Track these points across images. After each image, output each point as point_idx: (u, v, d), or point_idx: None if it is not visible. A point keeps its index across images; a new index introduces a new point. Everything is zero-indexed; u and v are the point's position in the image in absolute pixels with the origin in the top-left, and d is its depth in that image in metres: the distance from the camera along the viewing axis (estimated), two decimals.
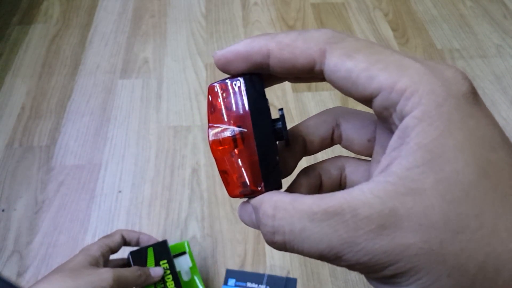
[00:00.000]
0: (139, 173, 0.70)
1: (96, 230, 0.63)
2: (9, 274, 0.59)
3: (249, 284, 0.55)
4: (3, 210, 0.65)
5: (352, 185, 0.18)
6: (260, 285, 0.55)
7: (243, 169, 0.17)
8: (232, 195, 0.18)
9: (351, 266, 0.14)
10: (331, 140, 0.20)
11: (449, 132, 0.13)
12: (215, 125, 0.18)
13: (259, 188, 0.17)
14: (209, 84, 0.18)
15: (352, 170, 0.20)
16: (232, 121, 0.17)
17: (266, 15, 0.98)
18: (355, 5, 1.02)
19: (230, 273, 0.56)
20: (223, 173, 0.18)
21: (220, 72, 0.85)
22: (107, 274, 0.40)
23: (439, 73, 0.14)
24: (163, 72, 0.86)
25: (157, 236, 0.62)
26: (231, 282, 0.56)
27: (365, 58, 0.14)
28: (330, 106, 0.78)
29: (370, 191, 0.14)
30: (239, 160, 0.17)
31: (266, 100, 0.17)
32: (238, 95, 0.17)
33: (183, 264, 0.53)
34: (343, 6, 1.01)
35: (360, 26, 0.96)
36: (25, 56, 0.88)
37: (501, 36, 0.94)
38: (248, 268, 0.59)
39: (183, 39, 0.93)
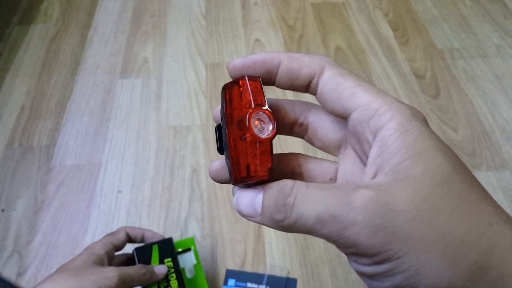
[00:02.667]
0: (139, 173, 0.70)
1: (96, 230, 0.63)
2: (9, 274, 0.58)
3: (249, 284, 0.55)
4: (3, 210, 0.65)
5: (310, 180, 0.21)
6: (260, 285, 0.55)
7: (255, 154, 0.19)
8: (238, 178, 0.19)
9: (344, 235, 0.16)
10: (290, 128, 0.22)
11: (423, 137, 0.16)
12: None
13: (265, 173, 0.18)
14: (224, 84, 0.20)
15: (311, 167, 0.22)
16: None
17: (266, 15, 0.98)
18: (355, 5, 1.01)
19: (230, 273, 0.56)
20: (233, 158, 0.19)
21: (219, 73, 0.85)
22: (111, 273, 0.40)
23: (404, 104, 0.18)
24: (163, 72, 0.86)
25: None
26: (231, 282, 0.56)
27: (353, 80, 0.18)
28: None
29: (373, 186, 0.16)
30: (251, 145, 0.19)
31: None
32: (257, 89, 0.19)
33: (187, 261, 0.53)
34: (343, 6, 1.01)
35: (360, 26, 0.96)
36: (25, 56, 0.88)
37: (501, 36, 0.94)
38: (248, 268, 0.59)
39: (183, 39, 0.93)
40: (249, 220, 0.19)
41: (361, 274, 0.17)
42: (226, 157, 0.20)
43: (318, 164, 0.22)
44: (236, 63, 0.20)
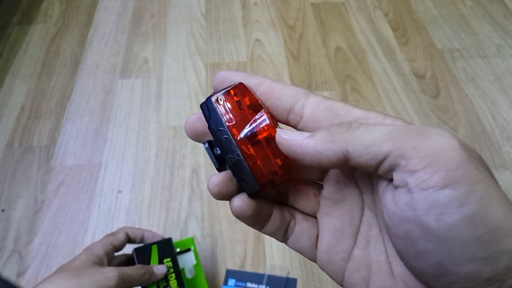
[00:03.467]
0: (139, 173, 0.70)
1: (96, 230, 0.63)
2: (9, 274, 0.58)
3: (249, 284, 0.55)
4: (3, 210, 0.65)
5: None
6: (260, 285, 0.55)
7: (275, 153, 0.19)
8: (266, 183, 0.19)
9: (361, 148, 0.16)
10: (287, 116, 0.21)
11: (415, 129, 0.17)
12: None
13: (283, 173, 0.19)
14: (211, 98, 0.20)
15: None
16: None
17: (266, 15, 0.98)
18: (355, 5, 1.01)
19: (230, 273, 0.56)
20: (252, 166, 0.19)
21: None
22: (111, 273, 0.40)
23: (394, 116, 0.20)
24: (163, 72, 0.86)
25: None
26: (231, 282, 0.56)
27: (339, 101, 0.19)
28: None
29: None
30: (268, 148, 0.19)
31: None
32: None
33: (187, 261, 0.53)
34: (343, 6, 1.01)
35: (360, 26, 0.96)
36: (25, 56, 0.88)
37: (501, 36, 0.94)
38: (248, 268, 0.59)
39: (183, 39, 0.93)
40: (292, 144, 0.18)
41: (429, 204, 0.15)
42: (234, 169, 0.19)
43: (301, 181, 0.22)
44: (222, 75, 0.21)
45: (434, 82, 0.85)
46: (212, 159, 0.20)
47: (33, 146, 0.73)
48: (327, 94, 0.82)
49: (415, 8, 1.01)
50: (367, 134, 0.16)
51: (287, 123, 0.20)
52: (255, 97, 0.19)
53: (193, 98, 0.81)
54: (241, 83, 0.19)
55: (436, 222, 0.15)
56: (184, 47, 0.91)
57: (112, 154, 0.72)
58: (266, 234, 0.21)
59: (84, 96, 0.82)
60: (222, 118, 0.18)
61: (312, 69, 0.87)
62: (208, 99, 0.19)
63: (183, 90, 0.83)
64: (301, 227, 0.21)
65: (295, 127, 0.20)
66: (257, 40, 0.93)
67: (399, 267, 0.18)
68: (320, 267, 0.21)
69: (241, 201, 0.20)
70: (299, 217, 0.21)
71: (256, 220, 0.20)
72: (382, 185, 0.18)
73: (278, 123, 0.20)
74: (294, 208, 0.22)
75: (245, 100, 0.19)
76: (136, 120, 0.77)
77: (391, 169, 0.16)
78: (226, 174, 0.20)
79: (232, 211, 0.20)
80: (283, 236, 0.21)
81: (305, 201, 0.21)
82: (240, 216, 0.20)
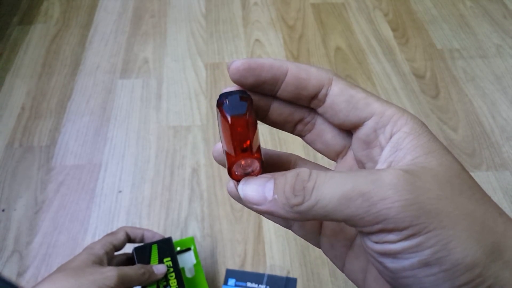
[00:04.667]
0: (139, 173, 0.70)
1: (96, 230, 0.63)
2: (9, 274, 0.59)
3: (249, 284, 0.55)
4: (3, 210, 0.65)
5: None
6: (260, 285, 0.55)
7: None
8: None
9: (373, 211, 0.16)
10: (294, 125, 0.21)
11: (433, 140, 0.18)
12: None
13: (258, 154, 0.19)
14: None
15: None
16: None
17: (266, 15, 0.98)
18: (355, 5, 1.02)
19: (230, 273, 0.56)
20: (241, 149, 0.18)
21: (219, 73, 0.85)
22: (110, 273, 0.40)
23: (411, 113, 0.19)
24: (163, 72, 0.86)
25: None
26: (231, 282, 0.56)
27: (362, 92, 0.19)
28: None
29: (392, 175, 0.16)
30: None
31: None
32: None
33: (187, 260, 0.53)
34: (343, 6, 1.01)
35: (360, 26, 0.96)
36: (25, 56, 0.88)
37: (501, 36, 0.94)
38: (248, 268, 0.59)
39: (183, 39, 0.93)
40: (255, 208, 0.18)
41: (384, 254, 0.16)
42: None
43: (316, 167, 0.22)
44: (238, 66, 0.19)
45: (434, 82, 0.85)
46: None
47: (33, 146, 0.73)
48: None
49: (415, 8, 1.01)
50: (321, 203, 0.16)
51: (308, 106, 0.20)
52: (248, 131, 0.18)
53: (193, 98, 0.81)
54: (243, 97, 0.19)
55: (391, 264, 0.16)
56: (184, 47, 0.91)
57: (112, 154, 0.72)
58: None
59: (84, 96, 0.82)
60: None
61: None
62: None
63: (183, 90, 0.83)
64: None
65: (316, 109, 0.20)
66: (257, 40, 0.93)
67: None
68: (323, 252, 0.22)
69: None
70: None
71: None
72: None
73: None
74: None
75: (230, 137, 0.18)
76: (136, 120, 0.78)
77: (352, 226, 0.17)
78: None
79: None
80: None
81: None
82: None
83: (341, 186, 0.16)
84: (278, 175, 0.18)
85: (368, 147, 0.19)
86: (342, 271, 0.21)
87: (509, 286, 0.15)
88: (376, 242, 0.16)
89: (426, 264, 0.15)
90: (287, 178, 0.17)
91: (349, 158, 0.21)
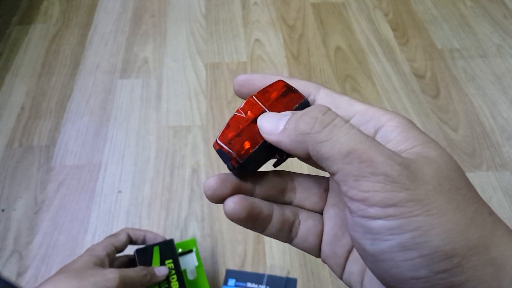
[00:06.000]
0: (139, 173, 0.70)
1: (96, 230, 0.63)
2: (9, 274, 0.58)
3: (249, 284, 0.55)
4: (3, 210, 0.65)
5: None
6: (260, 285, 0.55)
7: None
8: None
9: (370, 180, 0.16)
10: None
11: (423, 133, 0.18)
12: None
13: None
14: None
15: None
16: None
17: (266, 15, 0.98)
18: (355, 5, 1.01)
19: (230, 273, 0.56)
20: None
21: (219, 73, 0.85)
22: (112, 275, 0.40)
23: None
24: (163, 72, 0.86)
25: None
26: (231, 282, 0.56)
27: (348, 97, 0.20)
28: None
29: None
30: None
31: None
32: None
33: (189, 262, 0.53)
34: (343, 6, 1.01)
35: (360, 26, 0.96)
36: (25, 56, 0.88)
37: (501, 36, 0.94)
38: (248, 268, 0.59)
39: (183, 39, 0.93)
40: (268, 138, 0.18)
41: (365, 230, 0.16)
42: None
43: (311, 177, 0.22)
44: (237, 80, 0.22)
45: (434, 82, 0.85)
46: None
47: (33, 146, 0.73)
48: None
49: (415, 8, 1.01)
50: (326, 144, 0.17)
51: None
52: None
53: (193, 98, 0.81)
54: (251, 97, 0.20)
55: (370, 245, 0.16)
56: (184, 47, 0.91)
57: (112, 154, 0.72)
58: (269, 236, 0.21)
59: (84, 96, 0.82)
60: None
61: (312, 69, 0.87)
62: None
63: (183, 90, 0.83)
64: (307, 225, 0.21)
65: None
66: (257, 40, 0.93)
67: None
68: (323, 260, 0.21)
69: (233, 203, 0.19)
70: (303, 215, 0.21)
71: (254, 223, 0.20)
72: None
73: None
74: (298, 207, 0.22)
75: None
76: (136, 120, 0.77)
77: (337, 183, 0.17)
78: (220, 176, 0.20)
79: (226, 213, 0.19)
80: (287, 237, 0.21)
81: (315, 197, 0.21)
82: (235, 218, 0.19)
83: (357, 142, 0.16)
84: (296, 112, 0.18)
85: None
86: (341, 278, 0.21)
87: (487, 284, 0.15)
88: (360, 214, 0.16)
89: (405, 247, 0.15)
90: (304, 111, 0.18)
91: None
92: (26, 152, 0.72)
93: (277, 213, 0.21)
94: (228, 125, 0.20)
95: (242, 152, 0.19)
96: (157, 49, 0.90)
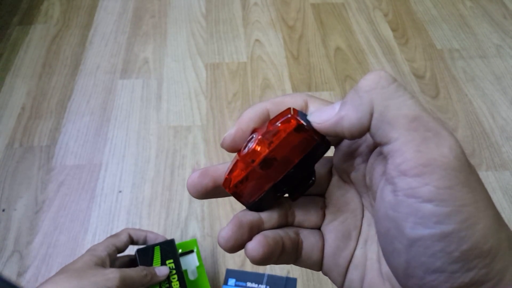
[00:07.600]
0: (139, 173, 0.70)
1: (96, 230, 0.63)
2: (9, 274, 0.59)
3: (249, 284, 0.55)
4: (3, 210, 0.65)
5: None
6: (260, 285, 0.55)
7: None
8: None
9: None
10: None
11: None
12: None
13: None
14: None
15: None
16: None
17: (266, 15, 0.99)
18: (355, 5, 1.02)
19: (230, 273, 0.56)
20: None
21: (219, 73, 0.86)
22: (112, 275, 0.40)
23: None
24: (163, 72, 0.86)
25: None
26: (231, 282, 0.56)
27: (335, 105, 0.19)
28: None
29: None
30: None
31: None
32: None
33: (190, 263, 0.53)
34: (343, 6, 1.01)
35: (360, 26, 0.96)
36: (25, 56, 0.89)
37: (501, 37, 0.94)
38: (248, 268, 0.59)
39: (183, 39, 0.93)
40: (324, 125, 0.17)
41: (409, 211, 0.15)
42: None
43: (307, 198, 0.22)
44: (226, 139, 0.20)
45: (433, 82, 0.85)
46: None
47: (33, 146, 0.73)
48: (327, 94, 0.82)
49: (414, 8, 1.01)
50: (394, 103, 0.15)
51: None
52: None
53: (193, 98, 0.81)
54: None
55: (411, 229, 0.15)
56: (184, 47, 0.91)
57: (112, 154, 0.73)
58: (280, 264, 0.20)
59: (85, 96, 0.82)
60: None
61: (312, 70, 0.87)
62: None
63: (183, 90, 0.83)
64: (310, 242, 0.20)
65: None
66: (257, 40, 0.93)
67: (385, 267, 0.18)
68: (324, 272, 0.21)
69: (261, 246, 0.18)
70: (304, 233, 0.21)
71: (273, 256, 0.19)
72: (375, 183, 0.18)
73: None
74: (298, 227, 0.21)
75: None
76: (137, 120, 0.78)
77: (387, 156, 0.16)
78: (232, 224, 0.18)
79: (255, 259, 0.18)
80: (295, 258, 0.21)
81: (314, 216, 0.21)
82: (266, 258, 0.18)
83: (422, 110, 0.17)
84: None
85: (351, 158, 0.20)
86: (342, 287, 0.21)
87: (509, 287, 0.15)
88: (406, 195, 0.15)
89: (447, 238, 0.14)
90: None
91: (334, 182, 0.21)
92: (26, 152, 0.72)
93: (285, 237, 0.20)
94: (234, 167, 0.19)
95: (253, 199, 0.19)
96: (158, 50, 0.91)
